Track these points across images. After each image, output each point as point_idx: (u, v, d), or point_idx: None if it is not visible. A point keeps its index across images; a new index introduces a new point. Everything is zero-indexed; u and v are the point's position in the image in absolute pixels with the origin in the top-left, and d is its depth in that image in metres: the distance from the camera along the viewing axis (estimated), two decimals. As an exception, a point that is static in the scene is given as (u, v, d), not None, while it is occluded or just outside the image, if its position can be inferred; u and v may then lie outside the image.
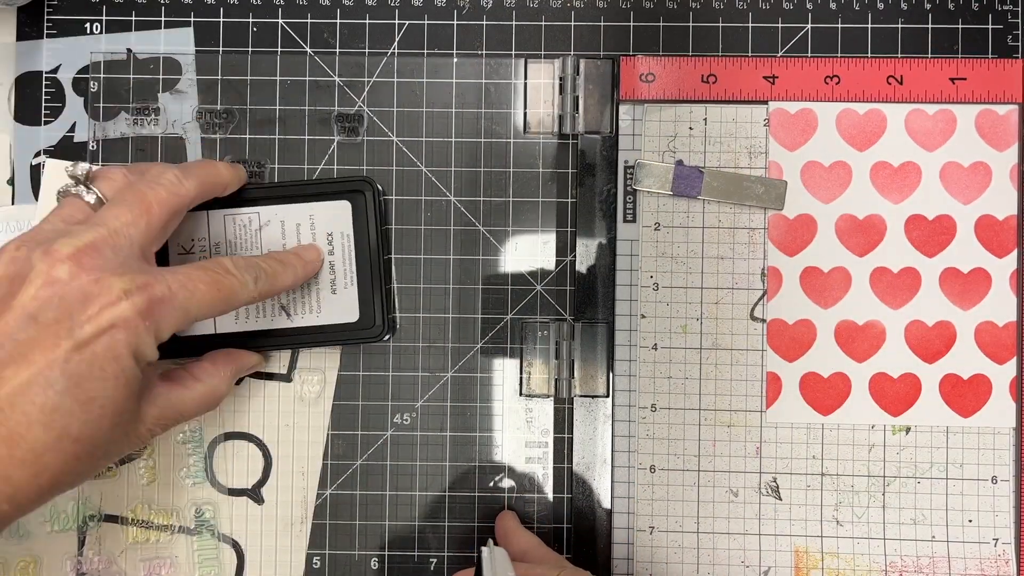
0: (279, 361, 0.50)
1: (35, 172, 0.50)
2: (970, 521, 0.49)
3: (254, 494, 0.50)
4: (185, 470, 0.49)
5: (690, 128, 0.50)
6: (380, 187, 0.49)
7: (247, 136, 0.50)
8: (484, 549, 0.42)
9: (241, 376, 0.48)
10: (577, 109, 0.49)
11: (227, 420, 0.50)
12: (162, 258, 0.48)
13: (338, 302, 0.48)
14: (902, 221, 0.50)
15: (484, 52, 0.50)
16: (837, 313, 0.50)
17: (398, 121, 0.50)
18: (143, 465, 0.49)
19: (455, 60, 0.50)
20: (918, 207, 0.50)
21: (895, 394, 0.49)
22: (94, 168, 0.43)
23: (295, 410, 0.50)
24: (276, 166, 0.50)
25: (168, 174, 0.42)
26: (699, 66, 0.50)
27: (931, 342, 0.49)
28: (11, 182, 0.50)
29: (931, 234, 0.50)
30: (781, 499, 0.49)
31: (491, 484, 0.50)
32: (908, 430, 0.50)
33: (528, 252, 0.50)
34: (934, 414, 0.49)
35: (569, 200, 0.50)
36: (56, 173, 0.49)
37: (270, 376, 0.50)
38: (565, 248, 0.50)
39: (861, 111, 0.50)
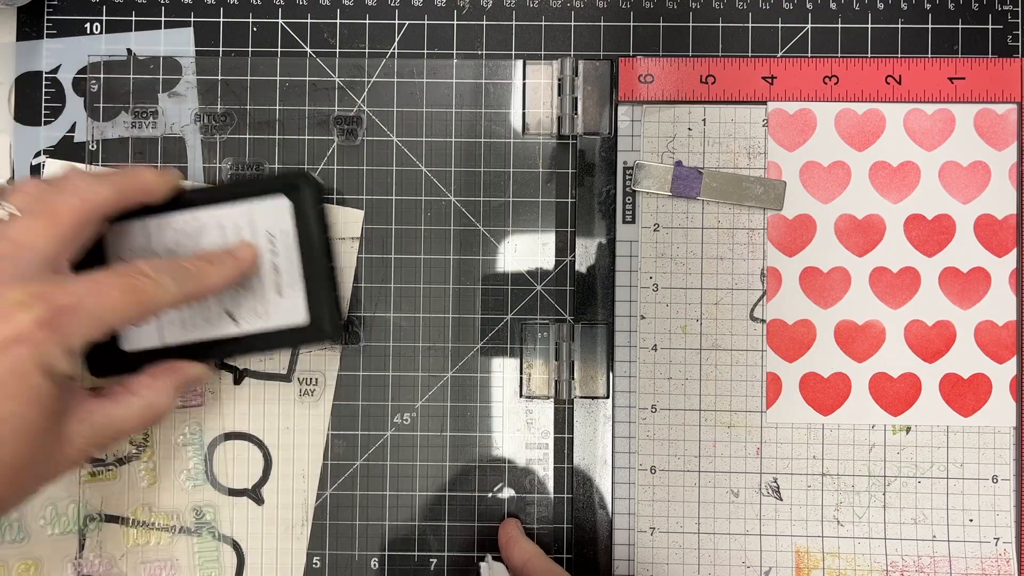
0: (279, 362, 0.50)
1: (35, 172, 0.50)
2: (971, 520, 0.49)
3: (254, 495, 0.50)
4: (185, 472, 0.49)
5: (689, 129, 0.50)
6: (322, 182, 0.48)
7: (247, 136, 0.50)
8: (483, 565, 0.42)
9: (186, 388, 0.46)
10: (576, 110, 0.50)
11: (227, 420, 0.50)
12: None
13: (285, 304, 0.47)
14: (901, 221, 0.50)
15: (484, 52, 0.50)
16: (837, 313, 0.50)
17: (398, 121, 0.50)
18: (143, 467, 0.49)
19: (455, 61, 0.50)
20: (917, 207, 0.50)
21: (895, 394, 0.49)
22: (7, 182, 0.42)
23: (295, 410, 0.50)
24: (276, 166, 0.50)
25: (80, 181, 0.41)
26: (698, 67, 0.50)
27: (931, 342, 0.49)
28: (11, 182, 0.50)
29: (930, 233, 0.50)
30: (782, 499, 0.49)
31: (490, 495, 0.50)
32: (908, 430, 0.50)
33: (528, 252, 0.50)
34: (934, 414, 0.49)
35: (569, 200, 0.50)
36: (57, 172, 0.49)
37: (270, 376, 0.50)
38: (565, 248, 0.50)
39: (860, 111, 0.50)
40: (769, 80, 0.50)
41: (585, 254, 0.50)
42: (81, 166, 0.42)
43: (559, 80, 0.50)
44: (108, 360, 0.40)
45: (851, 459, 0.49)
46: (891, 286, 0.50)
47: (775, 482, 0.49)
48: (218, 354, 0.48)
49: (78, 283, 0.38)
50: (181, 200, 0.46)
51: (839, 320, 0.50)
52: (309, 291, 0.47)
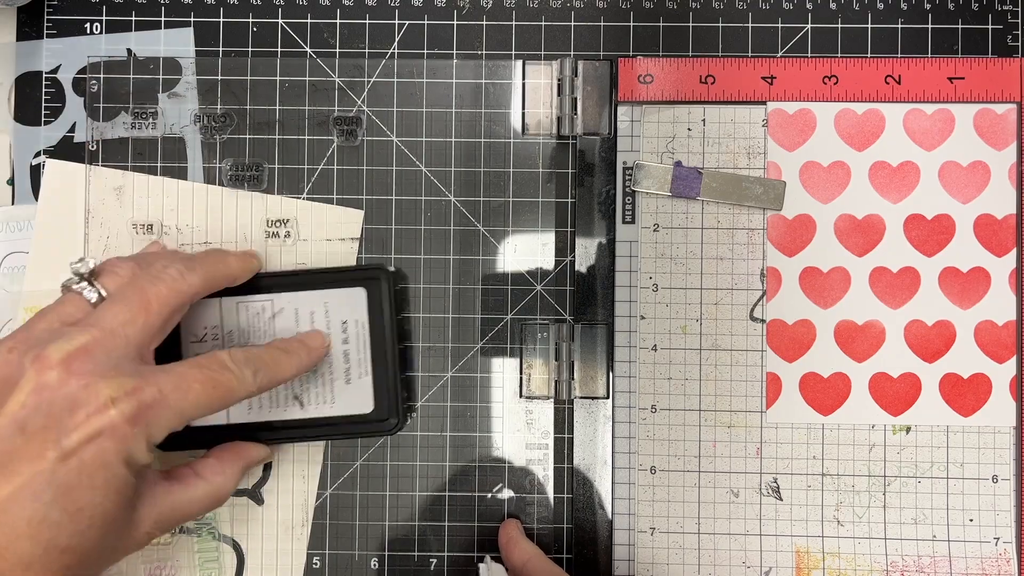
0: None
1: (35, 172, 0.50)
2: (971, 520, 0.49)
3: (254, 495, 0.50)
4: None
5: (688, 129, 0.50)
6: (397, 270, 0.49)
7: (247, 137, 0.50)
8: (482, 566, 0.42)
9: (249, 469, 0.46)
10: (576, 110, 0.50)
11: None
12: (174, 346, 0.47)
13: (352, 392, 0.48)
14: (901, 221, 0.50)
15: (484, 52, 0.50)
16: (837, 313, 0.50)
17: (398, 121, 0.50)
18: (143, 466, 0.49)
19: (455, 61, 0.50)
20: (917, 206, 0.50)
21: (895, 394, 0.49)
22: (100, 263, 0.42)
23: (295, 411, 0.50)
24: (276, 166, 0.50)
25: (172, 268, 0.41)
26: (697, 67, 0.50)
27: (931, 341, 0.49)
28: (11, 182, 0.50)
29: (930, 233, 0.50)
30: (782, 499, 0.49)
31: (490, 496, 0.50)
32: (908, 430, 0.50)
33: (528, 252, 0.50)
34: (934, 413, 0.49)
35: (568, 200, 0.50)
36: (59, 172, 0.49)
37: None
38: (565, 248, 0.50)
39: (859, 111, 0.50)
40: (769, 80, 0.50)
41: (585, 254, 0.50)
42: (88, 262, 0.41)
43: (559, 80, 0.50)
44: (176, 435, 0.40)
45: (851, 459, 0.49)
46: (891, 286, 0.50)
47: (775, 482, 0.49)
48: (283, 437, 0.48)
49: (163, 376, 0.38)
50: (257, 281, 0.47)
51: (839, 320, 0.50)
52: (376, 380, 0.48)
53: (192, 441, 0.46)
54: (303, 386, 0.47)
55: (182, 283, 0.41)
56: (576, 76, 0.49)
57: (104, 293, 0.40)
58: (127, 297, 0.39)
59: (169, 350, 0.45)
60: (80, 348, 0.37)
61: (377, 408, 0.48)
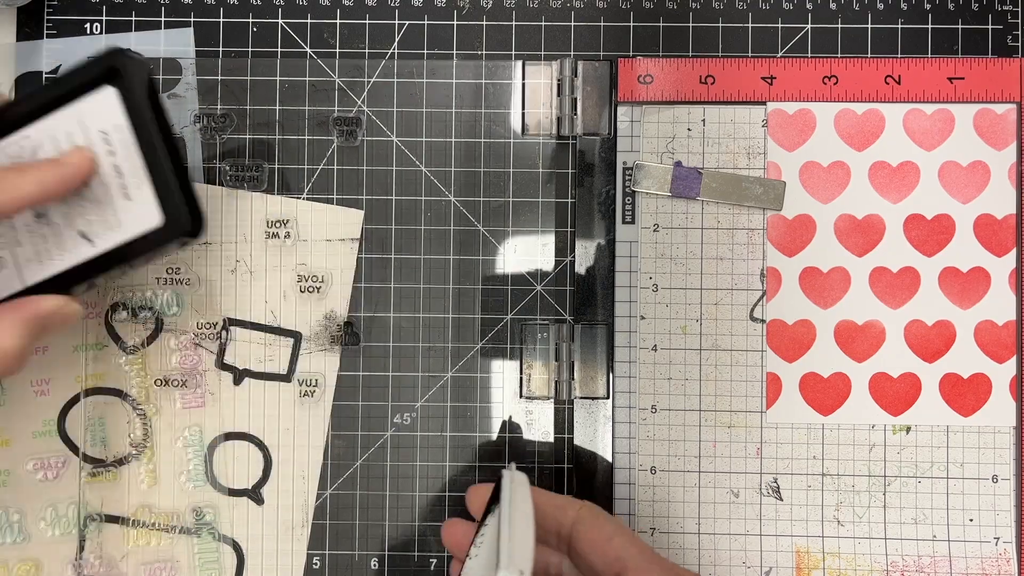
0: (279, 362, 0.50)
1: (35, 173, 0.50)
2: (971, 520, 0.49)
3: (254, 495, 0.50)
4: (185, 473, 0.49)
5: (688, 129, 0.50)
6: (144, 58, 0.43)
7: (247, 137, 0.50)
8: (505, 472, 0.41)
9: (43, 325, 0.41)
10: (575, 111, 0.50)
11: (227, 421, 0.50)
12: None
13: (136, 207, 0.43)
14: (901, 221, 0.50)
15: (484, 53, 0.50)
16: (837, 313, 0.50)
17: (398, 122, 0.50)
18: (143, 468, 0.49)
19: (455, 61, 0.50)
20: (917, 206, 0.50)
21: (895, 394, 0.49)
22: None
23: (295, 410, 0.50)
24: (276, 166, 0.50)
25: None
26: (697, 67, 0.50)
27: (931, 341, 0.50)
28: None
29: (930, 233, 0.50)
30: (782, 499, 0.49)
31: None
32: (908, 430, 0.50)
33: (527, 253, 0.50)
34: (934, 413, 0.49)
35: (568, 201, 0.50)
36: None
37: (270, 376, 0.50)
38: (564, 249, 0.50)
39: (859, 111, 0.50)
40: (768, 80, 0.50)
41: (585, 254, 0.50)
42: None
43: (558, 80, 0.50)
44: None
45: (851, 459, 0.49)
46: (891, 286, 0.50)
47: (775, 482, 0.49)
48: (80, 279, 0.43)
49: None
50: (5, 122, 0.43)
51: (839, 320, 0.50)
52: (157, 187, 0.43)
53: None
54: (85, 219, 0.43)
55: None
56: (576, 76, 0.49)
57: None
58: None
59: None
60: None
61: (167, 215, 0.43)
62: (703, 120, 0.50)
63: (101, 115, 0.42)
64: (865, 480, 0.49)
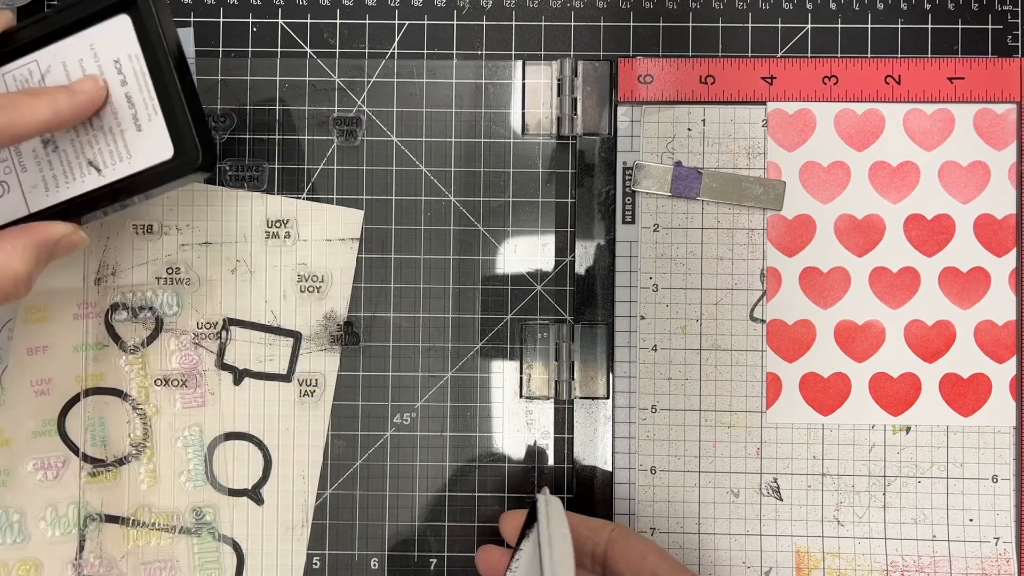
0: (279, 362, 0.50)
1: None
2: (971, 520, 0.49)
3: (254, 495, 0.50)
4: (186, 473, 0.49)
5: (688, 129, 0.50)
6: None
7: (247, 137, 0.50)
8: (540, 496, 0.41)
9: (50, 250, 0.41)
10: (575, 111, 0.50)
11: (227, 420, 0.50)
12: None
13: (147, 139, 0.42)
14: (901, 221, 0.50)
15: (484, 53, 0.50)
16: (836, 313, 0.50)
17: (398, 121, 0.50)
18: (143, 468, 0.49)
19: (455, 61, 0.50)
20: (917, 207, 0.50)
21: (895, 394, 0.49)
22: None
23: (295, 410, 0.50)
24: (276, 166, 0.50)
25: None
26: (697, 67, 0.50)
27: (931, 341, 0.50)
28: None
29: (930, 233, 0.50)
30: (782, 499, 0.49)
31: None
32: (908, 430, 0.50)
33: (527, 253, 0.50)
34: (934, 413, 0.49)
35: (568, 201, 0.50)
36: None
37: (270, 376, 0.50)
38: (564, 249, 0.50)
39: (859, 111, 0.50)
40: (768, 80, 0.50)
41: (585, 254, 0.50)
42: None
43: (558, 80, 0.50)
44: None
45: (851, 459, 0.49)
46: (891, 286, 0.50)
47: (775, 482, 0.49)
48: (88, 209, 0.43)
49: None
50: (13, 45, 0.42)
51: (839, 320, 0.50)
52: (169, 120, 0.42)
53: None
54: (94, 148, 0.42)
55: None
56: (576, 76, 0.49)
57: None
58: None
59: None
60: None
61: (178, 148, 0.42)
62: (703, 120, 0.50)
63: (114, 43, 0.42)
64: (865, 480, 0.49)
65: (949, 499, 0.49)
